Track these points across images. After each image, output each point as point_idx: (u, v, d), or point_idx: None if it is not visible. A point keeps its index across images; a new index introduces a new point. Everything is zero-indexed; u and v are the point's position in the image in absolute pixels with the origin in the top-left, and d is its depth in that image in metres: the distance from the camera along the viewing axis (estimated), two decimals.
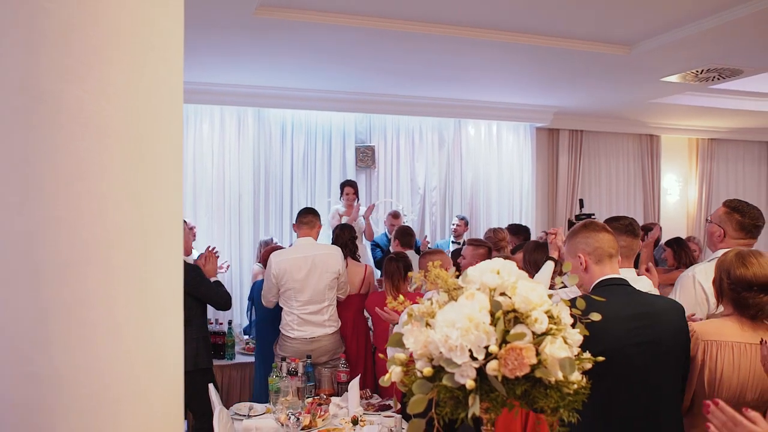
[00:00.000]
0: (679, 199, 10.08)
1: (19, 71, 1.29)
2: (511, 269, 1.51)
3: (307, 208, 5.02)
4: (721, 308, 2.65)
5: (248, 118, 7.44)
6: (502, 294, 1.46)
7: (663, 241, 6.40)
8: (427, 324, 1.45)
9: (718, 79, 6.57)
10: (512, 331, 1.39)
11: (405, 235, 5.91)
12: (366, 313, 5.02)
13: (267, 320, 4.94)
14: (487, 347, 1.36)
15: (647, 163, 9.72)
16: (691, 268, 3.32)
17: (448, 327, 1.39)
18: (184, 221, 4.68)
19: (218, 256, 4.94)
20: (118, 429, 1.36)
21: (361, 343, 4.97)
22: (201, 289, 4.42)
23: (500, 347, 1.37)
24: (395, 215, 7.22)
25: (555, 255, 3.60)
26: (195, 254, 5.65)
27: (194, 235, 6.42)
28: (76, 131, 1.30)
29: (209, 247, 4.93)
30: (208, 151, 7.25)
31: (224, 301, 4.55)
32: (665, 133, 9.72)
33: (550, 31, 5.26)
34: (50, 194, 1.29)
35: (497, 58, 5.87)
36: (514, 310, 1.43)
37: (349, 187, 6.88)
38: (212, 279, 4.67)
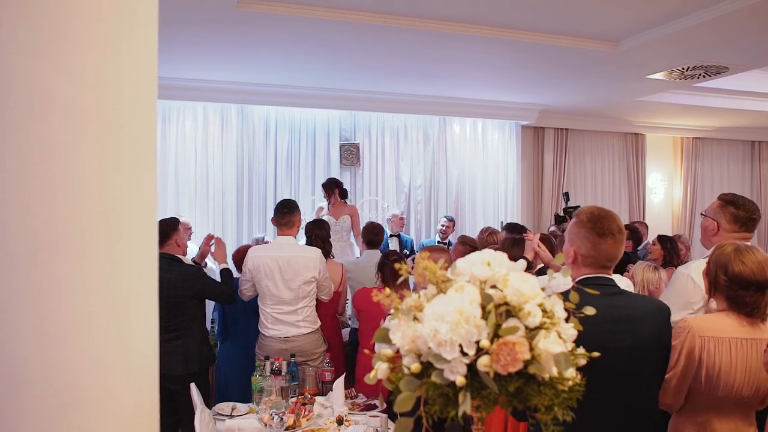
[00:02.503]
0: (664, 198, 10.10)
1: None
2: (502, 261, 1.45)
3: (284, 202, 4.74)
4: (713, 302, 2.59)
5: (231, 114, 7.37)
6: (493, 287, 1.40)
7: (650, 238, 6.38)
8: (415, 318, 1.38)
9: (704, 76, 6.57)
10: (504, 325, 1.32)
11: (371, 234, 5.42)
12: (350, 310, 4.93)
13: (239, 320, 4.81)
14: (478, 342, 1.30)
15: (632, 162, 9.74)
16: (686, 265, 3.25)
17: (437, 321, 1.32)
18: (180, 220, 4.63)
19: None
20: (86, 430, 1.28)
21: (338, 342, 4.90)
22: (207, 290, 4.30)
23: (492, 342, 1.30)
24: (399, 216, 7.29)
25: (530, 257, 3.52)
26: (193, 250, 5.53)
27: (190, 236, 6.16)
28: (45, 111, 1.22)
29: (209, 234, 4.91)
30: (191, 147, 7.19)
31: (228, 295, 4.42)
32: (650, 131, 9.75)
33: (537, 27, 5.23)
34: (15, 175, 1.21)
35: (483, 53, 5.82)
36: (505, 303, 1.36)
37: (337, 188, 6.77)
38: (222, 265, 4.60)
